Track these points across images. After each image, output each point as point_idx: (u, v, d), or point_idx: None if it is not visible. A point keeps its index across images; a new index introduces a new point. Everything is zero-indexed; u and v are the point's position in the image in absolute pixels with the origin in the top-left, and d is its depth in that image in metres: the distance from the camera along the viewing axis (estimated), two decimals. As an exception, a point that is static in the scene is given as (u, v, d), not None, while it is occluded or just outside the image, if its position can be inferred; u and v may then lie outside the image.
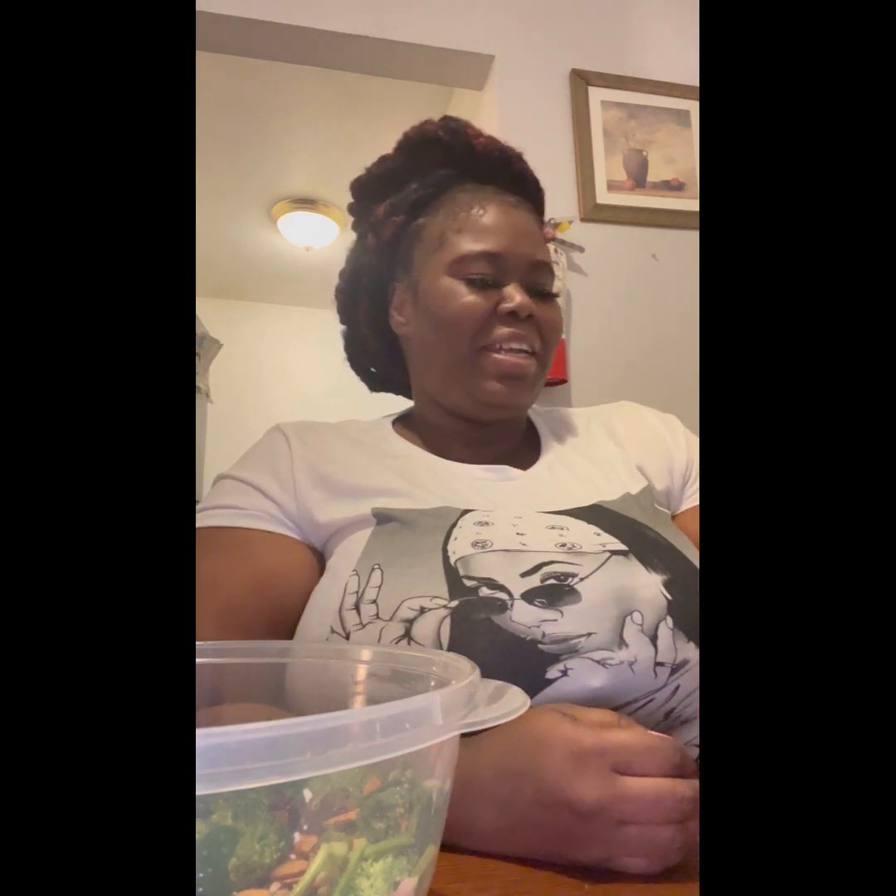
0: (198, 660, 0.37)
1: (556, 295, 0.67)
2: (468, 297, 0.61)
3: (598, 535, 0.54)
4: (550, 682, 0.45)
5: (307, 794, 0.23)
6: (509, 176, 0.69)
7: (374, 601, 0.51)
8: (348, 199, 0.73)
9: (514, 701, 0.27)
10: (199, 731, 0.18)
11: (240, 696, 0.40)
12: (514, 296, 0.61)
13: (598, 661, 0.46)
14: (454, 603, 0.49)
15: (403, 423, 0.73)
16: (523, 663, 0.46)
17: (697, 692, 0.48)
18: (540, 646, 0.46)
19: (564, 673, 0.45)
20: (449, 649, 0.46)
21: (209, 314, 3.18)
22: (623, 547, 0.52)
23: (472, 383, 0.63)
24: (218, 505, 0.60)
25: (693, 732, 0.50)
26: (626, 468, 0.65)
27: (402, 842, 0.24)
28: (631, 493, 0.62)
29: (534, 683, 0.45)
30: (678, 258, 1.69)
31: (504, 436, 0.68)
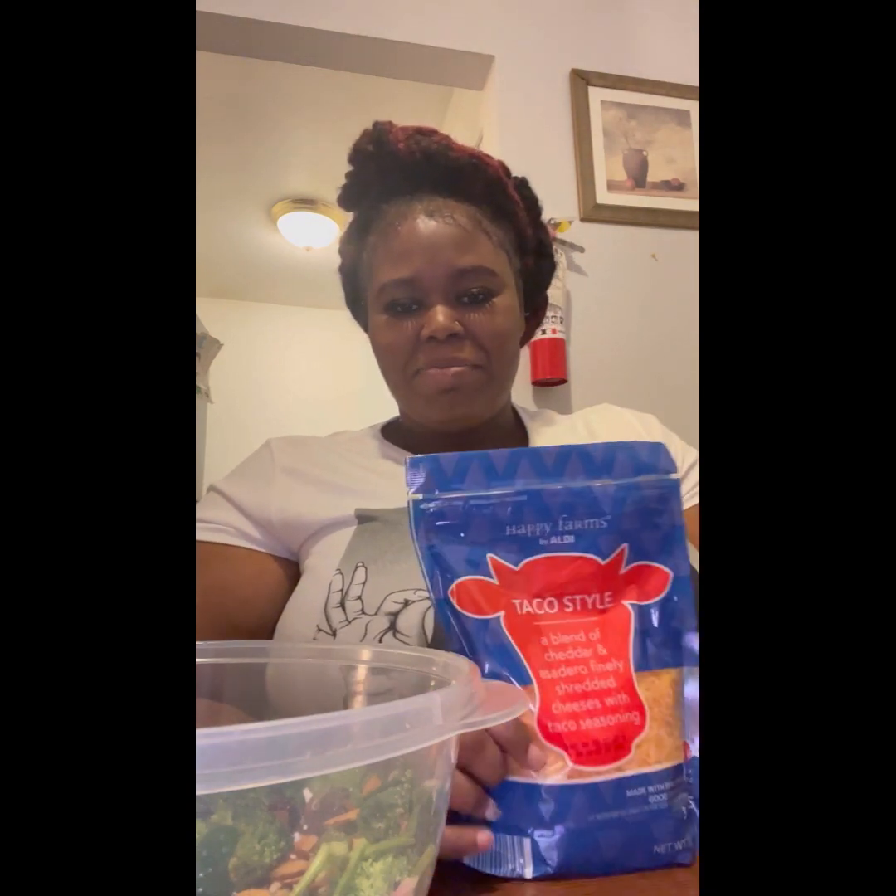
0: (197, 660, 0.37)
1: (494, 293, 0.62)
2: (390, 329, 0.62)
3: None
4: None
5: (307, 794, 0.23)
6: (436, 173, 0.64)
7: (359, 597, 0.53)
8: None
9: (515, 701, 0.27)
10: (198, 731, 0.18)
11: (238, 696, 0.40)
12: (433, 319, 0.60)
13: None
14: None
15: (391, 429, 0.75)
16: None
17: None
18: None
19: None
20: (432, 640, 0.48)
21: (209, 314, 3.18)
22: None
23: (415, 404, 0.64)
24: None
25: None
26: None
27: (402, 842, 0.24)
28: None
29: None
30: (678, 258, 1.69)
31: (485, 439, 0.68)
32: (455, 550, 0.40)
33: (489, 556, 0.40)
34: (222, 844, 0.21)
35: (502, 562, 0.40)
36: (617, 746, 0.37)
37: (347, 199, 0.69)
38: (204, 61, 2.01)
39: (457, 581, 0.39)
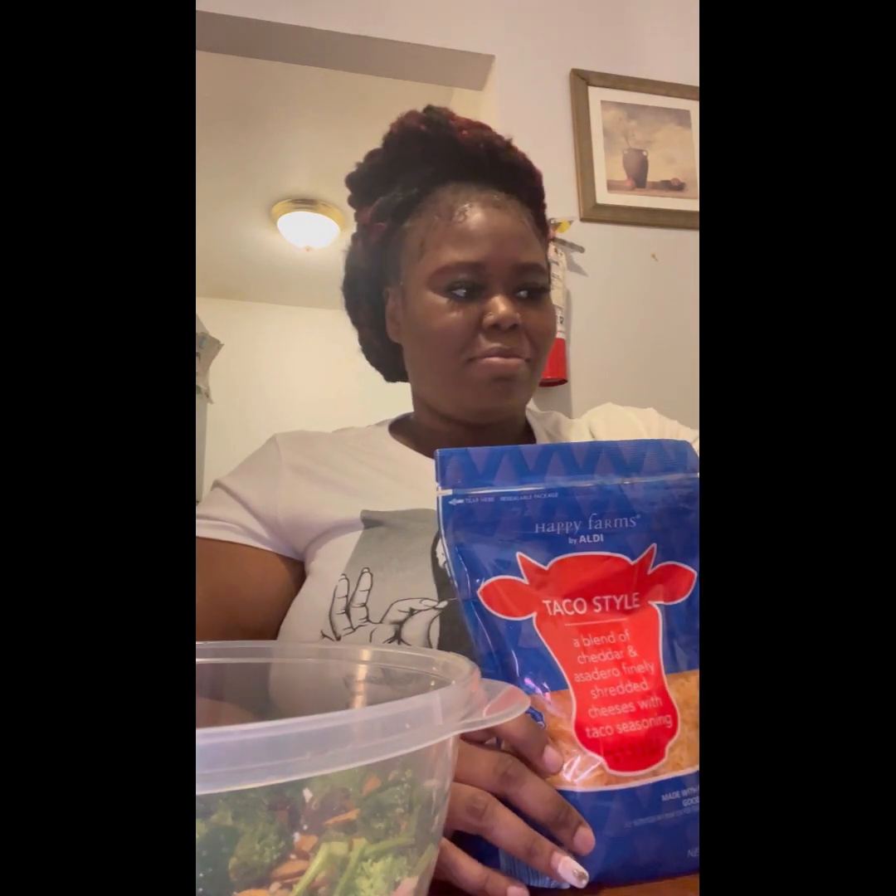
0: (197, 660, 0.37)
1: (547, 291, 0.65)
2: (450, 312, 0.60)
3: None
4: None
5: (307, 794, 0.23)
6: (497, 168, 0.65)
7: (364, 604, 0.52)
8: (347, 193, 0.72)
9: (515, 701, 0.27)
10: (198, 731, 0.18)
11: (239, 696, 0.40)
12: (498, 307, 0.59)
13: None
14: (443, 604, 0.51)
15: (399, 427, 0.74)
16: None
17: None
18: None
19: None
20: (438, 649, 0.48)
21: (209, 314, 3.18)
22: None
23: (462, 392, 0.62)
24: (199, 515, 0.61)
25: None
26: None
27: (402, 842, 0.24)
28: None
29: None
30: (678, 258, 1.69)
31: (499, 438, 0.67)
32: (484, 549, 0.39)
33: (519, 554, 0.39)
34: (222, 844, 0.21)
35: (532, 561, 0.39)
36: (652, 751, 0.36)
37: (375, 176, 0.67)
38: (204, 61, 2.01)
39: (486, 582, 0.38)
